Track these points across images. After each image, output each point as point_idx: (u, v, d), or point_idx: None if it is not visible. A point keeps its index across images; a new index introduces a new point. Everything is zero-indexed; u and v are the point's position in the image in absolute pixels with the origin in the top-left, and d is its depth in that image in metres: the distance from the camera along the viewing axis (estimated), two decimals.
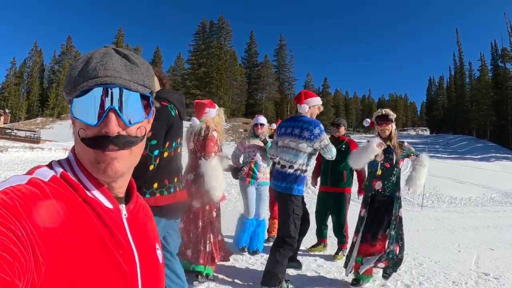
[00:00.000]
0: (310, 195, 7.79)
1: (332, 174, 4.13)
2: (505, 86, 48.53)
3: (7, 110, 41.33)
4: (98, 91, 0.54)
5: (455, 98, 64.04)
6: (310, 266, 3.67)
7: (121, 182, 0.61)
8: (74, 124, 0.58)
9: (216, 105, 3.35)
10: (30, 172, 0.54)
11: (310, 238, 4.38)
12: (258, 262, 3.70)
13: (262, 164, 3.99)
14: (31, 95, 57.05)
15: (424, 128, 62.71)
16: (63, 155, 12.55)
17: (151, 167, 1.77)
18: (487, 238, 5.23)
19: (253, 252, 3.92)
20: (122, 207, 0.61)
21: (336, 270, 3.57)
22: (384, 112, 3.15)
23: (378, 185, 3.08)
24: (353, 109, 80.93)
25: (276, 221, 4.61)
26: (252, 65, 65.19)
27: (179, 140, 1.98)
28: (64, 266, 0.46)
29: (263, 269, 2.96)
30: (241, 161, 4.16)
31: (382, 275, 3.15)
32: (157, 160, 1.81)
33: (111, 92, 0.54)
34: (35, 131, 32.16)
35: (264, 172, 4.03)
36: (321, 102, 3.15)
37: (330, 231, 4.32)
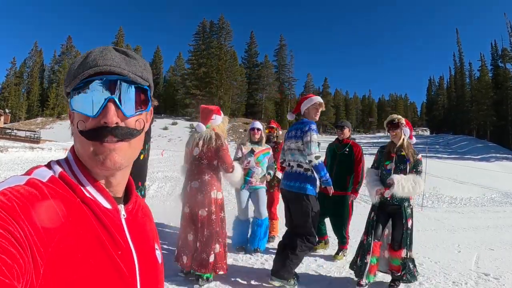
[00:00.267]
0: None
1: (336, 177, 4.06)
2: (505, 86, 48.50)
3: (7, 110, 41.31)
4: (97, 82, 0.54)
5: (455, 98, 64.02)
6: (310, 266, 3.66)
7: (120, 177, 0.61)
8: (73, 119, 0.58)
9: (222, 112, 3.35)
10: (28, 173, 0.54)
11: None
12: (258, 262, 3.70)
13: (256, 171, 4.01)
14: (31, 95, 57.06)
15: (424, 128, 62.69)
16: (63, 155, 12.51)
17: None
18: (487, 238, 5.23)
19: (253, 250, 3.97)
20: (121, 208, 0.61)
21: (336, 270, 3.56)
22: (390, 118, 3.19)
23: (387, 193, 3.06)
24: (353, 109, 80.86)
25: (275, 222, 4.63)
26: (252, 65, 65.17)
27: (148, 143, 1.99)
28: (63, 267, 0.46)
29: (263, 269, 2.97)
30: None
31: (389, 285, 3.14)
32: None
33: (110, 83, 0.55)
34: (35, 131, 32.16)
35: (257, 178, 4.06)
36: (313, 102, 3.11)
37: (330, 231, 4.31)
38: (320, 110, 3.15)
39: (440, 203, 9.02)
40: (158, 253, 0.68)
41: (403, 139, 3.13)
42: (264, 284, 3.08)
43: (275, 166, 4.31)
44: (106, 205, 0.58)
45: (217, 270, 2.99)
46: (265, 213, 4.10)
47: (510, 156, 28.66)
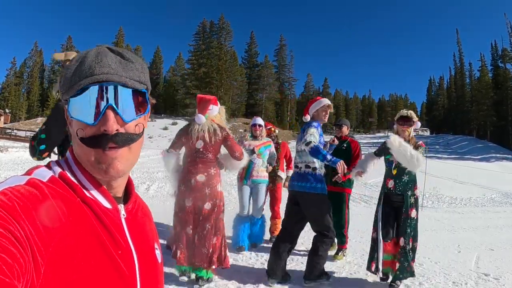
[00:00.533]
0: None
1: (333, 174, 4.12)
2: (505, 87, 48.55)
3: (7, 110, 41.35)
4: (94, 89, 0.54)
5: (455, 98, 64.05)
6: None
7: (120, 180, 0.61)
8: (71, 125, 0.57)
9: (218, 102, 3.35)
10: (28, 173, 0.54)
11: (310, 238, 4.36)
12: (258, 262, 3.70)
13: (257, 163, 4.09)
14: (31, 95, 57.09)
15: (424, 128, 62.61)
16: None
17: (34, 159, 1.85)
18: (487, 239, 5.23)
19: (252, 245, 4.05)
20: (121, 207, 0.61)
21: (336, 270, 3.56)
22: (409, 114, 3.21)
23: (390, 183, 3.20)
24: (353, 109, 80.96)
25: (278, 221, 4.62)
26: (252, 65, 65.20)
27: None
28: (63, 267, 0.46)
29: (263, 269, 2.97)
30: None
31: (389, 285, 3.13)
32: (44, 155, 1.85)
33: (108, 90, 0.54)
34: (35, 131, 32.12)
35: (258, 171, 4.17)
36: (322, 104, 3.20)
37: None
38: (328, 112, 3.24)
39: (440, 203, 9.02)
40: (158, 253, 0.68)
41: (410, 134, 3.21)
42: (264, 284, 3.08)
43: (277, 157, 4.46)
44: (106, 204, 0.58)
45: (220, 265, 2.99)
46: (261, 212, 4.24)
47: (510, 156, 28.67)
